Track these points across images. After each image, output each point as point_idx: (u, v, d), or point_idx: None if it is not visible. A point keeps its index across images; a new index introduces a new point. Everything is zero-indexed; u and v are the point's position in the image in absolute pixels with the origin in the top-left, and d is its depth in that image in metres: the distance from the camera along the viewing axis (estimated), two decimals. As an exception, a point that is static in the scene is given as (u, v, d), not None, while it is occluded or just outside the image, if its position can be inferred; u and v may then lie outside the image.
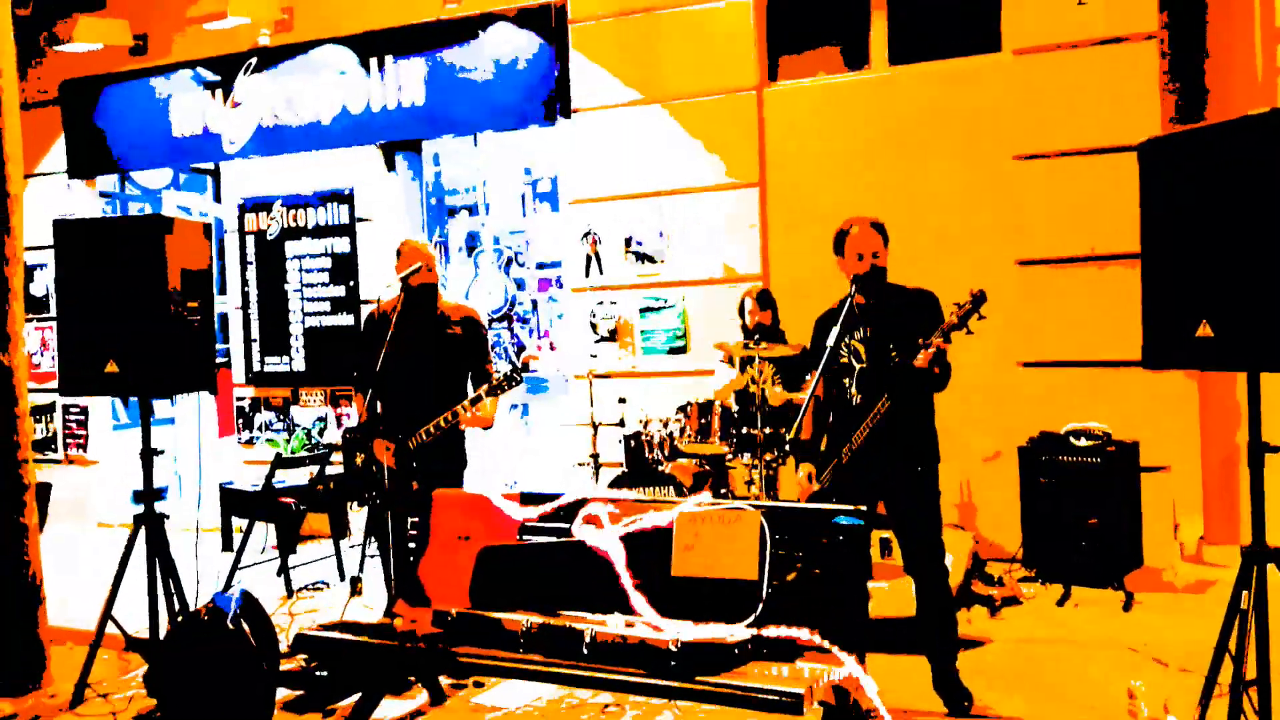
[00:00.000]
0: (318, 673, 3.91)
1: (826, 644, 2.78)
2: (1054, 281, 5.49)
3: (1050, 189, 5.47)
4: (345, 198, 7.42)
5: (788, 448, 5.01)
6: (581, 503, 3.33)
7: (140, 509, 4.14)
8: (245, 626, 3.47)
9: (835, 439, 3.72)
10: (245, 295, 7.82)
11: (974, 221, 5.68)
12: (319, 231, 7.52)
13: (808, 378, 4.89)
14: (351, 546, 6.48)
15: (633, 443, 5.69)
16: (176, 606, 4.08)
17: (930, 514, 3.68)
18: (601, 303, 6.59)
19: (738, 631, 2.83)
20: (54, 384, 8.06)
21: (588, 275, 6.62)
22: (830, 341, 3.57)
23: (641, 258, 6.48)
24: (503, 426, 7.45)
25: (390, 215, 7.35)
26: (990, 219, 5.64)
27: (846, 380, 3.71)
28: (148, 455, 4.12)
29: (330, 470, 6.09)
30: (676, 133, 6.35)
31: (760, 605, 2.89)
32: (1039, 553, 5.03)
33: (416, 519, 3.73)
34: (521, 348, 8.64)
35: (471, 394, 4.17)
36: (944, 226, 5.71)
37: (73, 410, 8.35)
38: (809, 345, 3.90)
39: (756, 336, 5.11)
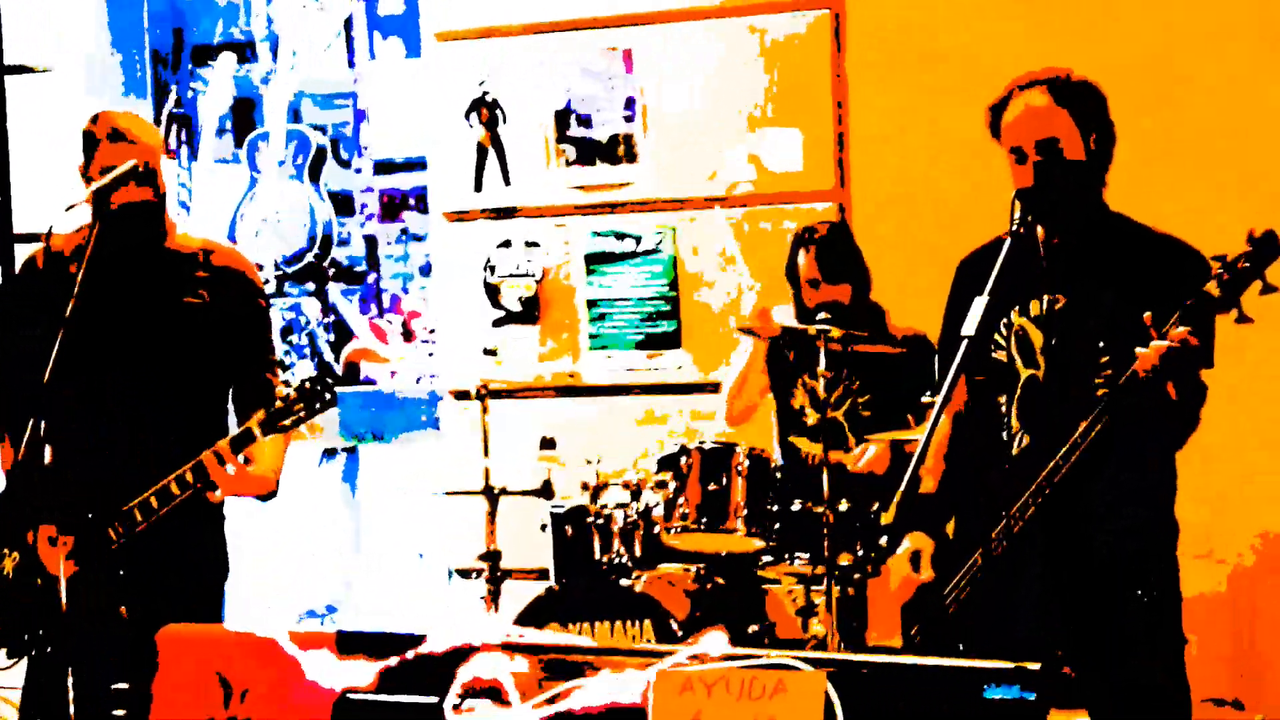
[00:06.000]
0: None
1: None
2: None
3: None
4: (-20, 23, 7.46)
5: (885, 539, 5.04)
6: (464, 653, 3.34)
7: None
8: None
9: (974, 514, 3.78)
10: None
11: (1257, 97, 5.79)
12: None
13: (926, 399, 4.96)
14: (-9, 739, 6.48)
15: (569, 529, 5.72)
16: None
17: (1166, 679, 3.71)
18: (508, 243, 6.69)
19: None
20: None
21: (480, 186, 6.71)
22: (970, 323, 3.46)
23: (589, 151, 6.58)
24: (304, 493, 7.44)
25: (73, 58, 7.40)
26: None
27: (1001, 399, 3.80)
28: None
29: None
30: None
31: None
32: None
33: (128, 683, 3.73)
34: (344, 334, 8.70)
35: (235, 428, 4.23)
36: (1195, 106, 5.82)
37: None
38: (938, 331, 3.97)
39: (823, 316, 5.14)
